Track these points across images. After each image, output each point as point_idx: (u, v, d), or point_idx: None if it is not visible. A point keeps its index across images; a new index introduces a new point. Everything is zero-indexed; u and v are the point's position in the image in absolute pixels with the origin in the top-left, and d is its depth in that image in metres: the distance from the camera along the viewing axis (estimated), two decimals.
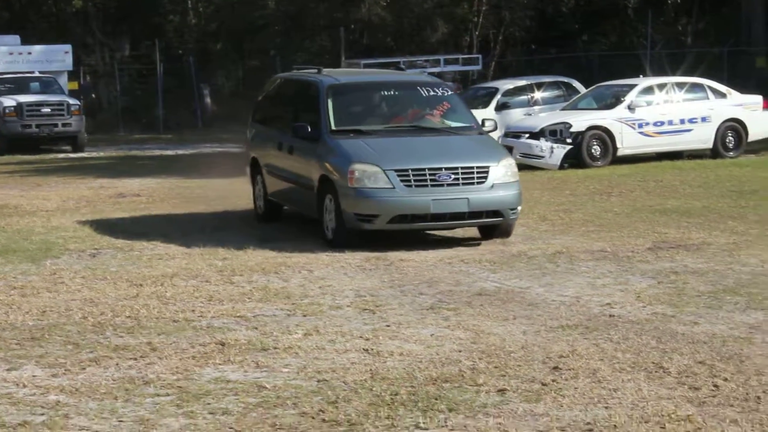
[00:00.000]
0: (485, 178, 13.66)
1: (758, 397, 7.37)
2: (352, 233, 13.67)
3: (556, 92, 29.12)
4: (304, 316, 10.05)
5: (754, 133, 25.02)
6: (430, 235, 14.61)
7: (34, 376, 8.23)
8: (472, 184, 13.61)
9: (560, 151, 23.46)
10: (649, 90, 24.67)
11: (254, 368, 8.31)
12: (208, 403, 7.45)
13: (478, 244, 13.86)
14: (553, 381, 7.78)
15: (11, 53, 36.90)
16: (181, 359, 8.57)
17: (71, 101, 33.39)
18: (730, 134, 24.79)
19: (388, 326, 9.57)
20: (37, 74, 35.41)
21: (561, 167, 23.31)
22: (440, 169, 13.54)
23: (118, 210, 18.14)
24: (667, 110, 24.34)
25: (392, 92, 15.34)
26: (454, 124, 14.98)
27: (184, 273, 12.20)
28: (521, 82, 29.86)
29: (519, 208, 13.97)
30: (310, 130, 14.42)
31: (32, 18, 46.98)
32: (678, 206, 16.92)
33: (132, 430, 6.98)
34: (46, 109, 32.73)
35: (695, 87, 25.20)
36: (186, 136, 38.55)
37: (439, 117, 15.07)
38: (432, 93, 15.14)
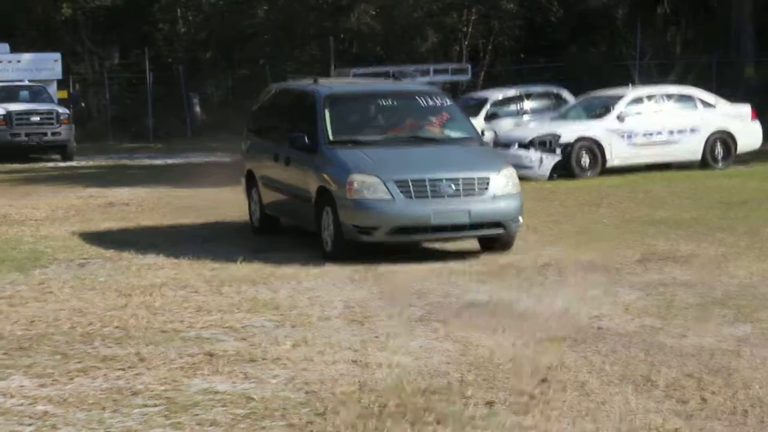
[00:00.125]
0: (486, 188, 13.53)
1: (746, 411, 7.39)
2: (351, 245, 13.48)
3: (545, 102, 29.16)
4: (293, 327, 10.04)
5: (743, 144, 24.93)
6: (421, 246, 14.51)
7: (21, 386, 8.22)
8: (474, 194, 13.47)
9: (549, 161, 23.49)
10: (638, 100, 24.67)
11: (242, 379, 8.31)
12: (197, 414, 7.45)
13: (468, 256, 13.84)
14: (542, 393, 7.78)
15: (0, 61, 36.85)
16: (170, 370, 8.57)
17: (61, 110, 33.37)
18: (719, 145, 24.76)
19: (377, 337, 9.57)
20: (26, 83, 35.36)
21: (550, 178, 23.33)
22: (441, 179, 13.36)
23: (107, 219, 18.10)
24: (657, 120, 24.36)
25: (390, 102, 15.09)
26: (453, 134, 14.82)
27: (172, 283, 12.19)
28: (511, 92, 29.86)
29: (521, 219, 13.82)
30: (307, 140, 14.15)
31: (21, 26, 46.89)
32: (667, 218, 16.94)
33: None
34: (36, 118, 32.70)
35: (684, 97, 25.21)
36: (175, 145, 38.49)
37: (439, 127, 14.90)
38: (431, 103, 14.96)
